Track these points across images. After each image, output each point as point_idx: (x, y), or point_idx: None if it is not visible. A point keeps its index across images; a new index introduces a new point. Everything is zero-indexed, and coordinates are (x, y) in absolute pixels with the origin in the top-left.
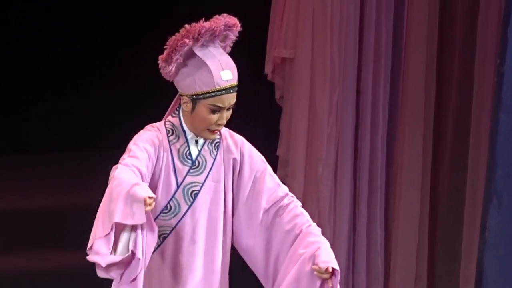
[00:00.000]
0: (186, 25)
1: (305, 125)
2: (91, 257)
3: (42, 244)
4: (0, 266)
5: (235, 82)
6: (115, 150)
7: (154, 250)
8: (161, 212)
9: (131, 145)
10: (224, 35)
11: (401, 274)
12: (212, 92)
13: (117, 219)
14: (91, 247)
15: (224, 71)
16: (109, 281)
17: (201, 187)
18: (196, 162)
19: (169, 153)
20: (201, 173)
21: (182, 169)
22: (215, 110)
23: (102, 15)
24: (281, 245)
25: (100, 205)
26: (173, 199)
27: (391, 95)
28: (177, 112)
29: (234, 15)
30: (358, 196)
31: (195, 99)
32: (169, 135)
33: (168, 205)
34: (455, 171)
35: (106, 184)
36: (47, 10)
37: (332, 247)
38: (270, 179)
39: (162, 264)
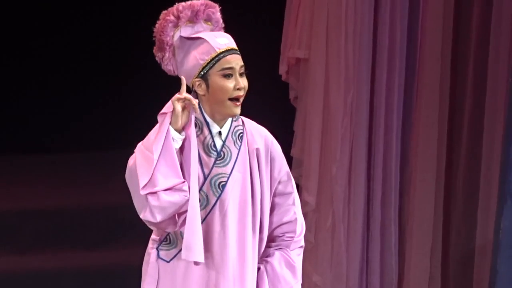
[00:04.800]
0: (164, 11)
1: (319, 125)
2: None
3: (58, 244)
4: (17, 266)
5: (233, 45)
6: (131, 150)
7: None
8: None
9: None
10: (207, 16)
11: (415, 274)
12: (215, 57)
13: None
14: (147, 182)
15: (219, 38)
16: (128, 281)
17: (228, 178)
18: (222, 153)
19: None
20: (227, 164)
21: (208, 160)
22: (227, 74)
23: (112, 16)
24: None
25: (138, 162)
26: (201, 191)
27: (405, 95)
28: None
29: (249, 16)
30: (372, 196)
31: (204, 74)
32: None
33: None
34: (469, 172)
35: (121, 185)
36: (55, 10)
37: (346, 247)
38: (286, 197)
39: None
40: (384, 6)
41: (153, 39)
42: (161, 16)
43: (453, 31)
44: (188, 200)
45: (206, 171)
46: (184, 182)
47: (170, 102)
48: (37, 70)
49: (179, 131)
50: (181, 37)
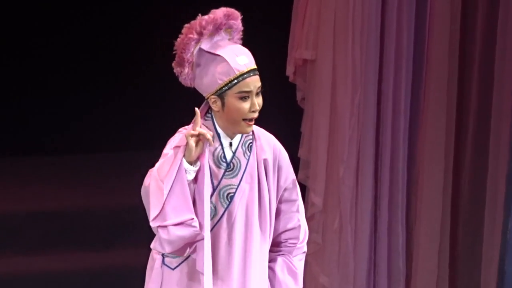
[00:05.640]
0: (186, 24)
1: (327, 126)
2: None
3: (63, 245)
4: (24, 268)
5: (253, 65)
6: (137, 152)
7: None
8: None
9: (166, 150)
10: (228, 26)
11: (422, 275)
12: (234, 79)
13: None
14: (157, 215)
15: (239, 57)
16: (132, 282)
17: (236, 189)
18: (231, 164)
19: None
20: (236, 175)
21: (218, 172)
22: (244, 96)
23: (112, 16)
24: None
25: (151, 190)
26: (210, 202)
27: (412, 96)
28: (209, 116)
29: (256, 17)
30: (380, 197)
31: (221, 93)
32: None
33: None
34: (476, 173)
35: (128, 186)
36: (65, 15)
37: (354, 248)
38: (291, 204)
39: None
40: (391, 7)
41: (174, 52)
42: (184, 31)
43: (460, 31)
44: (197, 234)
45: (215, 182)
46: (193, 219)
47: (183, 135)
48: (37, 70)
49: (193, 163)
50: (200, 49)
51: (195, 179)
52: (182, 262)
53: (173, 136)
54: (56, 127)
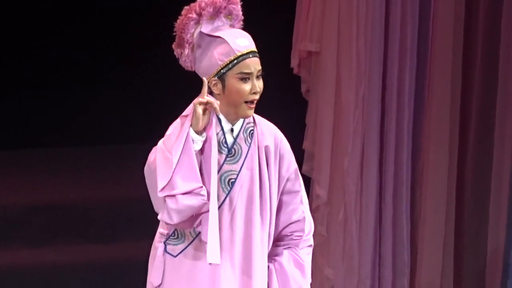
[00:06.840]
0: (186, 6)
1: (331, 118)
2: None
3: (65, 238)
4: (28, 260)
5: (253, 48)
6: (141, 145)
7: (193, 239)
8: None
9: (168, 132)
10: (228, 11)
11: (427, 267)
12: (234, 59)
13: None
14: (166, 185)
15: (239, 39)
16: (134, 275)
17: (237, 175)
18: (232, 150)
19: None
20: (237, 161)
21: (219, 157)
22: (244, 78)
23: (112, 16)
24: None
25: (158, 162)
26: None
27: (417, 88)
28: None
29: (261, 9)
30: (384, 189)
31: (221, 75)
32: None
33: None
34: (481, 165)
35: (131, 178)
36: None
37: (358, 240)
38: (294, 196)
39: (201, 252)
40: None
41: (174, 33)
42: (183, 12)
43: (464, 25)
44: (205, 203)
45: (217, 167)
46: (202, 187)
47: (191, 104)
48: (37, 70)
49: (200, 133)
50: (201, 32)
51: (201, 151)
52: (184, 249)
53: (174, 121)
54: (59, 122)
